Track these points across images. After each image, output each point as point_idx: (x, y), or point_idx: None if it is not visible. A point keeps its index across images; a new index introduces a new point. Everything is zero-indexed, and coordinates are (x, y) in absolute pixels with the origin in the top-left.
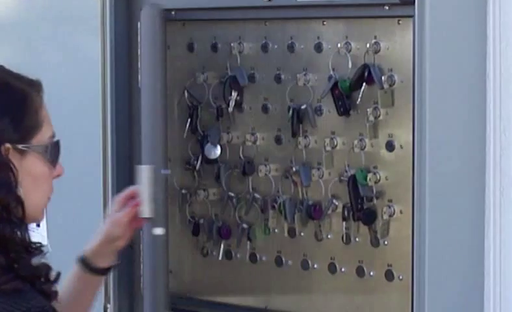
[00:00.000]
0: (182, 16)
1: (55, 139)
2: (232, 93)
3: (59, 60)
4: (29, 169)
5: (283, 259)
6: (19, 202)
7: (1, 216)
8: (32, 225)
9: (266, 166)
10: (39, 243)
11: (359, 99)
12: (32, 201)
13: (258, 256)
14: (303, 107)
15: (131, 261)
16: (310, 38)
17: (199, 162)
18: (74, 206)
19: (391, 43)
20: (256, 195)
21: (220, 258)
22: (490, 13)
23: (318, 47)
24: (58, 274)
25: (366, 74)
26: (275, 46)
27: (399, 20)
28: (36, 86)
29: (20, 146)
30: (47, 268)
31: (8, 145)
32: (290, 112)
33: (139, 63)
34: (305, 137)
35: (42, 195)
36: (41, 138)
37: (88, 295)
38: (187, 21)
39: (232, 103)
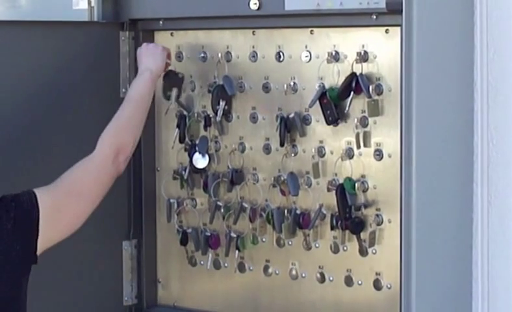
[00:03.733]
0: (170, 26)
1: None
2: (221, 103)
3: None
4: None
5: (271, 268)
6: None
7: None
8: None
9: (254, 175)
10: None
11: (347, 108)
12: None
13: (246, 265)
14: (291, 116)
15: None
16: (298, 46)
17: (187, 171)
18: None
19: (379, 52)
20: (245, 205)
21: (208, 267)
22: (478, 23)
23: (306, 56)
24: None
25: (354, 83)
26: (263, 55)
27: (387, 29)
28: None
29: None
30: None
31: None
32: (278, 121)
33: None
34: (293, 146)
35: None
36: None
37: None
38: (175, 31)
39: (220, 112)
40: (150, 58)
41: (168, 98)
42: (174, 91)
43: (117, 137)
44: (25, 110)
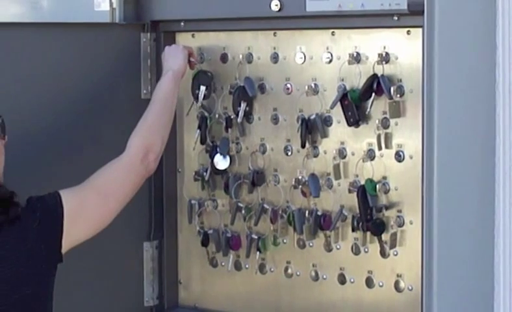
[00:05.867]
0: (191, 27)
1: None
2: (242, 104)
3: None
4: None
5: (292, 270)
6: None
7: None
8: None
9: (275, 176)
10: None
11: (369, 110)
12: None
13: (267, 267)
14: (312, 117)
15: None
16: (319, 48)
17: (208, 172)
18: None
19: (400, 53)
20: (266, 206)
21: (229, 268)
22: (500, 23)
23: (327, 57)
24: None
25: (375, 84)
26: (285, 56)
27: (408, 30)
28: None
29: None
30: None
31: None
32: (299, 122)
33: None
34: (314, 147)
35: (1, 165)
36: None
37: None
38: (196, 32)
39: (241, 114)
40: (171, 59)
41: (197, 97)
42: (201, 89)
43: (145, 137)
44: (46, 111)
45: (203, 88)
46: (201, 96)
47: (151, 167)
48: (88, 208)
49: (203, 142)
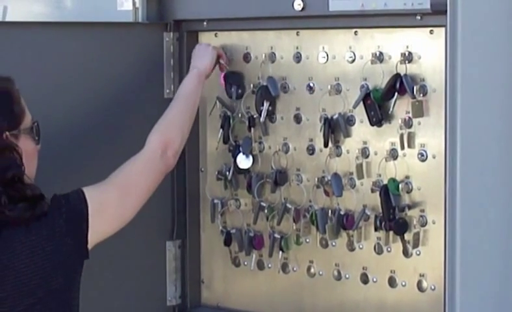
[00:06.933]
0: (214, 26)
1: (35, 120)
2: (264, 104)
3: None
4: (24, 148)
5: (315, 269)
6: (23, 173)
7: (18, 186)
8: None
9: (297, 175)
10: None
11: (391, 109)
12: (29, 172)
13: (290, 266)
14: (335, 117)
15: None
16: (342, 47)
17: (231, 171)
18: None
19: (423, 53)
20: (288, 205)
21: (252, 268)
22: None
23: (350, 57)
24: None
25: (398, 84)
26: (307, 56)
27: (431, 30)
28: (11, 81)
29: (15, 131)
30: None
31: (6, 132)
32: (322, 121)
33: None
34: (337, 147)
35: (34, 167)
36: (27, 121)
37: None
38: (219, 32)
39: (264, 113)
40: (199, 58)
41: (231, 96)
42: (233, 88)
43: (163, 133)
44: (69, 111)
45: (234, 87)
46: (234, 95)
47: (169, 162)
48: (110, 203)
49: (225, 141)
